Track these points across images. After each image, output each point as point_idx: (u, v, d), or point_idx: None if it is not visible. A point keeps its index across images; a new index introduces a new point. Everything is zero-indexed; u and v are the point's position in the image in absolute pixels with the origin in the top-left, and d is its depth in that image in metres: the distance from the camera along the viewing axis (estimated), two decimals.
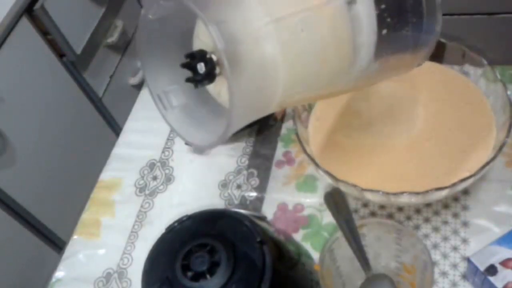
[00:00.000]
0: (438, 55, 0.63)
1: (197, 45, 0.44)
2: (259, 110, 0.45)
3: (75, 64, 1.34)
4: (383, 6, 0.45)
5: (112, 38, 1.42)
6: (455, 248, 0.56)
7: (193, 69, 0.40)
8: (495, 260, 0.50)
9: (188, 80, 0.41)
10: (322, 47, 0.43)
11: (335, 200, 0.50)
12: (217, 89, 0.44)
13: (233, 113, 0.39)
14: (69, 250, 0.67)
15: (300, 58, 0.42)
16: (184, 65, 0.41)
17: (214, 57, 0.40)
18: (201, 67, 0.40)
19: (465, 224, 0.58)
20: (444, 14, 0.49)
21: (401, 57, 0.51)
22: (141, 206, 0.69)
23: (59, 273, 0.66)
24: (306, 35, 0.42)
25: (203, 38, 0.42)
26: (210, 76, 0.40)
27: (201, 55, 0.40)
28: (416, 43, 0.50)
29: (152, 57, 0.46)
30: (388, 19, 0.46)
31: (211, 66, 0.39)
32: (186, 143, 0.71)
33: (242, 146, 0.71)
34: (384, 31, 0.46)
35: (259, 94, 0.42)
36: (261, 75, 0.41)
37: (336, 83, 0.48)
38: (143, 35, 0.44)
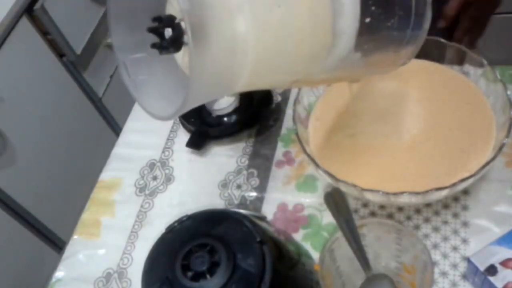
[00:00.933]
0: (438, 55, 0.63)
1: (169, 12, 0.41)
2: (222, 87, 0.42)
3: (75, 64, 1.34)
4: None
5: None
6: (455, 248, 0.56)
7: (160, 35, 0.38)
8: (495, 260, 0.50)
9: (153, 45, 0.38)
10: (299, 26, 0.41)
11: (335, 200, 0.50)
12: (186, 60, 0.42)
13: (193, 85, 0.36)
14: (69, 250, 0.67)
15: (273, 34, 0.40)
16: (151, 30, 0.38)
17: (183, 24, 0.37)
18: (168, 33, 0.37)
19: (465, 224, 0.58)
20: None
21: (384, 51, 0.49)
22: (141, 206, 0.69)
23: (59, 273, 0.66)
24: (282, 10, 0.39)
25: (176, 5, 0.40)
26: (176, 43, 0.37)
27: (169, 20, 0.38)
28: (401, 38, 0.48)
29: (122, 22, 0.43)
30: (373, 8, 0.44)
31: (178, 33, 0.37)
32: (186, 145, 0.71)
33: (242, 146, 0.71)
34: (368, 20, 0.43)
35: (225, 68, 0.39)
36: (228, 48, 0.38)
37: (312, 69, 0.46)
38: (113, 1, 0.42)
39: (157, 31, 0.38)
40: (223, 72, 0.39)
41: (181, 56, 0.42)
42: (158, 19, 0.38)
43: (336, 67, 0.46)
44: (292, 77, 0.46)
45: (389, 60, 0.51)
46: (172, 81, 0.44)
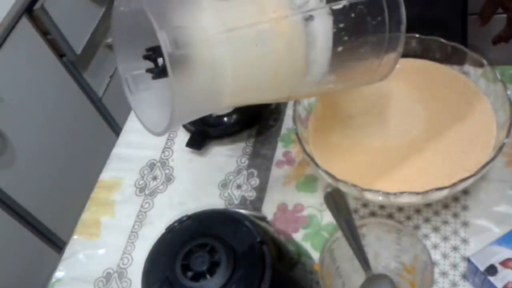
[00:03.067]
0: (438, 55, 0.63)
1: None
2: (207, 106, 0.46)
3: (75, 64, 1.34)
4: (341, 25, 0.45)
5: None
6: (455, 248, 0.56)
7: (154, 61, 0.43)
8: (495, 260, 0.50)
9: (148, 70, 0.43)
10: (275, 61, 0.44)
11: (335, 200, 0.50)
12: None
13: (174, 113, 0.41)
14: (69, 250, 0.67)
15: (251, 69, 0.43)
16: (146, 57, 0.43)
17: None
18: (160, 62, 0.42)
19: (465, 224, 0.58)
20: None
21: (358, 71, 0.51)
22: (141, 206, 0.69)
23: (59, 273, 0.66)
24: (259, 48, 0.43)
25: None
26: (165, 71, 0.41)
27: (160, 51, 0.41)
28: (375, 60, 0.50)
29: (124, 42, 0.48)
30: (346, 38, 0.46)
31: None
32: (186, 145, 0.71)
33: (242, 146, 0.71)
34: (340, 49, 0.46)
35: (206, 95, 0.43)
36: (208, 79, 0.42)
37: (289, 91, 0.49)
38: (116, 23, 0.46)
39: (151, 58, 0.43)
40: (205, 96, 0.44)
41: None
42: (151, 49, 0.43)
43: (312, 87, 0.49)
44: (271, 97, 0.51)
45: (365, 77, 0.53)
46: (167, 96, 0.48)
